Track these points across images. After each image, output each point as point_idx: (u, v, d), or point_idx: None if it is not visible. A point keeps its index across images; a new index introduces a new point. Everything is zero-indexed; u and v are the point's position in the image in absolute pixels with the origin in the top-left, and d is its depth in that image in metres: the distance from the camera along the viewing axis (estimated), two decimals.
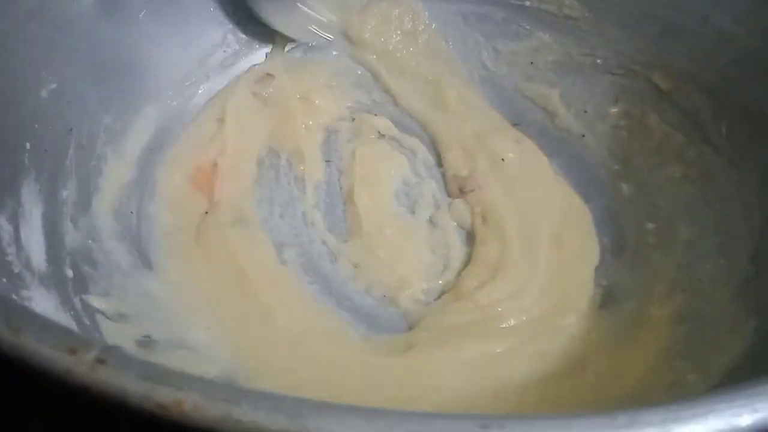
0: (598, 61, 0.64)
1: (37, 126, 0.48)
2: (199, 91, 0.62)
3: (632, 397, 0.41)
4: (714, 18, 0.56)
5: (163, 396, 0.21)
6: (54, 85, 0.49)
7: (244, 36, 0.65)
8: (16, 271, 0.39)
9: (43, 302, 0.39)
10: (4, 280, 0.36)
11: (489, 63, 0.67)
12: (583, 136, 0.62)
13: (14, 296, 0.35)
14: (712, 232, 0.52)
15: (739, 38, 0.55)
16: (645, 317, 0.49)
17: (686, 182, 0.56)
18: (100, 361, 0.22)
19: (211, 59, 0.63)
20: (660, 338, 0.47)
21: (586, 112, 0.63)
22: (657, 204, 0.56)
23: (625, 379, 0.44)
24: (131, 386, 0.21)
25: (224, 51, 0.64)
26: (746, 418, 0.21)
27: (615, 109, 0.62)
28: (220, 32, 0.64)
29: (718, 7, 0.56)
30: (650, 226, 0.55)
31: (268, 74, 0.63)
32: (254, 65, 0.65)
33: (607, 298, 0.51)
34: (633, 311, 0.49)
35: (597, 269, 0.53)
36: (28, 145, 0.46)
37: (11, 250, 0.40)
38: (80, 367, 0.22)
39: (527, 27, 0.66)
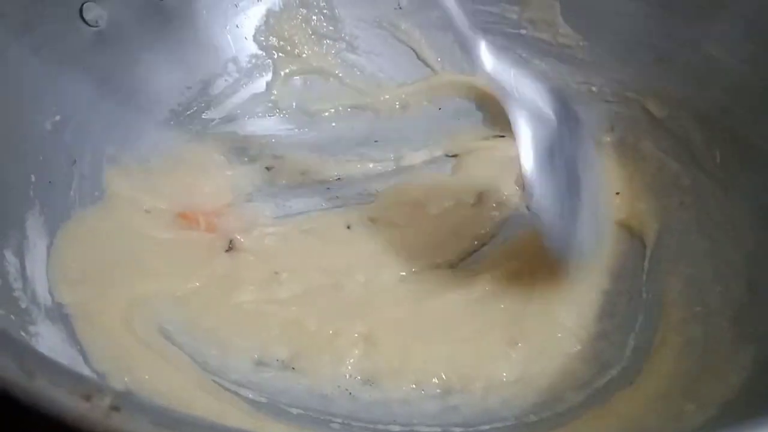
0: (593, 88, 0.65)
1: (41, 158, 0.48)
2: (202, 118, 0.63)
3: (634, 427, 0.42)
4: (705, 47, 0.58)
5: None
6: (58, 117, 0.50)
7: (244, 65, 0.66)
8: (24, 306, 0.39)
9: (50, 337, 0.39)
10: (13, 317, 0.37)
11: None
12: None
13: (22, 332, 0.36)
14: (708, 260, 0.52)
15: (729, 66, 0.56)
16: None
17: (682, 209, 0.56)
18: (115, 408, 0.22)
19: (212, 88, 0.64)
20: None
21: None
22: (651, 232, 0.56)
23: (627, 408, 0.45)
24: None
25: (225, 80, 0.65)
26: None
27: (610, 138, 0.63)
28: (221, 61, 0.65)
29: (708, 36, 0.57)
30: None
31: None
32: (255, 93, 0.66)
33: None
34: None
35: None
36: (33, 178, 0.47)
37: (18, 285, 0.40)
38: (95, 413, 0.22)
39: (524, 55, 0.67)
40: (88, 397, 0.22)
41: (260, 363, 0.47)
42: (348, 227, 0.58)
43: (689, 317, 0.49)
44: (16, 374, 0.24)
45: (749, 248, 0.50)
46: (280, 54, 0.67)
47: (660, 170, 0.59)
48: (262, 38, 0.66)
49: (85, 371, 0.38)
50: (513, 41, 0.67)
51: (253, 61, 0.66)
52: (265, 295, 0.51)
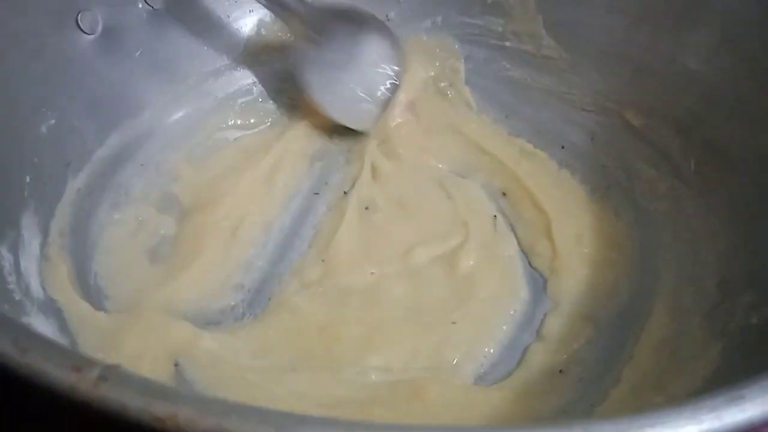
0: (574, 98, 0.67)
1: (36, 160, 0.50)
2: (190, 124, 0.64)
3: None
4: (681, 58, 0.59)
5: (159, 410, 0.23)
6: (53, 121, 0.52)
7: (237, 72, 0.68)
8: (17, 298, 0.41)
9: (43, 328, 0.40)
10: (7, 306, 0.38)
11: (471, 100, 0.70)
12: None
13: None
14: (683, 263, 0.54)
15: (703, 77, 0.57)
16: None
17: (657, 215, 0.58)
18: (103, 378, 0.23)
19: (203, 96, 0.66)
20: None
21: (563, 148, 0.66)
22: (630, 235, 0.58)
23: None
24: (130, 401, 0.23)
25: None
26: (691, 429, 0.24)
27: (591, 146, 0.65)
28: (211, 70, 0.66)
29: (684, 48, 0.59)
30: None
31: None
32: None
33: None
34: None
35: None
36: (28, 179, 0.48)
37: (12, 279, 0.42)
38: (84, 384, 0.24)
39: (507, 66, 0.69)
40: (77, 369, 0.24)
41: None
42: None
43: (665, 317, 0.51)
44: (11, 350, 0.25)
45: (722, 250, 0.51)
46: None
47: (636, 177, 0.61)
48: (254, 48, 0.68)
49: None
50: (497, 53, 0.69)
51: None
52: None
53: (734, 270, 0.50)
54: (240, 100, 0.67)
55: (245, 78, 0.68)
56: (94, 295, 0.50)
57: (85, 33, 0.56)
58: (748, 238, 0.50)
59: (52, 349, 0.25)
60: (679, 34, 0.59)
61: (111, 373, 0.24)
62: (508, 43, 0.69)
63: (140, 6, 0.60)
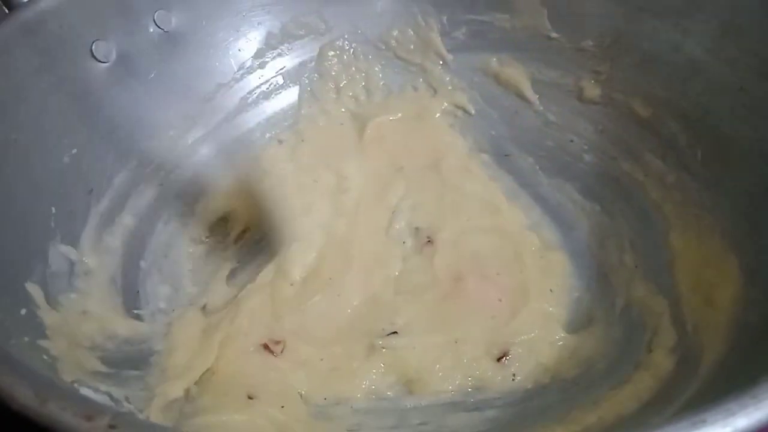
0: (582, 90, 0.67)
1: (61, 190, 0.52)
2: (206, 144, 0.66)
3: None
4: (686, 48, 0.59)
5: None
6: (74, 151, 0.54)
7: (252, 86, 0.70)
8: None
9: None
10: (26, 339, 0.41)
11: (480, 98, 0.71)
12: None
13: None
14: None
15: (709, 67, 0.57)
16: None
17: (667, 206, 0.59)
18: (112, 426, 0.26)
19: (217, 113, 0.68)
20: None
21: (572, 141, 0.66)
22: (639, 229, 0.59)
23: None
24: None
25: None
26: None
27: (599, 137, 0.66)
28: (227, 85, 0.69)
29: (689, 37, 0.59)
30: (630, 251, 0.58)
31: None
32: None
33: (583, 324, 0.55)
34: None
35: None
36: (53, 209, 0.51)
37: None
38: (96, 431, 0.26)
39: (515, 58, 0.70)
40: (89, 418, 0.27)
41: None
42: None
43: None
44: (32, 401, 0.28)
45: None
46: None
47: (645, 168, 0.62)
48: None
49: None
50: (503, 46, 0.70)
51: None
52: None
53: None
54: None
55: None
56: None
57: (100, 62, 0.58)
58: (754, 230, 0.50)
59: (67, 399, 0.28)
60: (682, 24, 0.59)
61: (120, 420, 0.26)
62: (513, 37, 0.69)
63: (151, 30, 0.62)
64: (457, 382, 0.51)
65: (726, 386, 0.36)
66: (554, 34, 0.67)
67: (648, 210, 0.60)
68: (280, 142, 0.70)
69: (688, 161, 0.59)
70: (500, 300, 0.55)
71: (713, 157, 0.57)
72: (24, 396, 0.28)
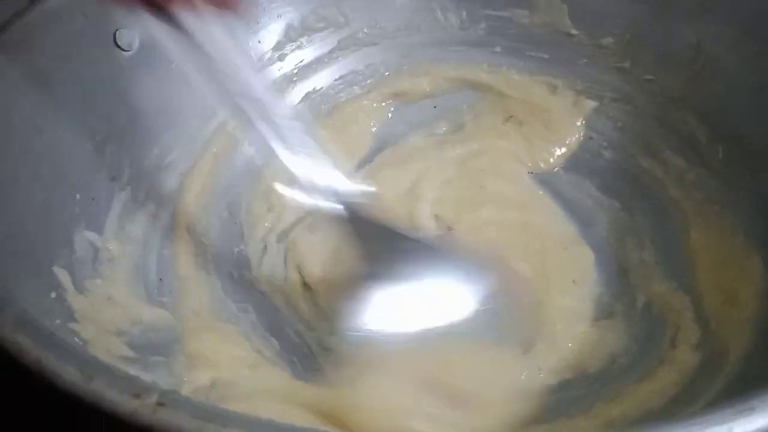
0: (602, 88, 0.68)
1: (84, 177, 0.53)
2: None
3: None
4: (705, 46, 0.60)
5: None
6: (98, 138, 0.54)
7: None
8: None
9: None
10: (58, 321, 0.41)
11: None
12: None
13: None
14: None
15: (729, 65, 0.58)
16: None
17: (687, 203, 0.59)
18: (161, 404, 0.26)
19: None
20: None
21: (591, 138, 0.67)
22: (659, 226, 0.59)
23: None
24: (186, 424, 0.26)
25: None
26: None
27: (618, 134, 0.66)
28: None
29: (708, 35, 0.60)
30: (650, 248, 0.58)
31: None
32: None
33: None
34: None
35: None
36: (78, 196, 0.51)
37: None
38: (143, 409, 0.26)
39: (534, 55, 0.71)
40: (137, 396, 0.27)
41: None
42: None
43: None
44: (78, 378, 0.28)
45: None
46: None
47: (666, 165, 0.62)
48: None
49: None
50: (524, 43, 0.70)
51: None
52: None
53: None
54: None
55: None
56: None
57: (123, 50, 0.58)
58: None
59: (114, 377, 0.28)
60: (701, 22, 0.60)
61: (168, 398, 0.26)
62: (534, 33, 0.70)
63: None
64: None
65: (754, 382, 0.36)
66: (574, 31, 0.68)
67: (667, 207, 0.60)
68: None
69: (708, 159, 0.59)
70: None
71: (734, 155, 0.57)
72: (70, 373, 0.28)
